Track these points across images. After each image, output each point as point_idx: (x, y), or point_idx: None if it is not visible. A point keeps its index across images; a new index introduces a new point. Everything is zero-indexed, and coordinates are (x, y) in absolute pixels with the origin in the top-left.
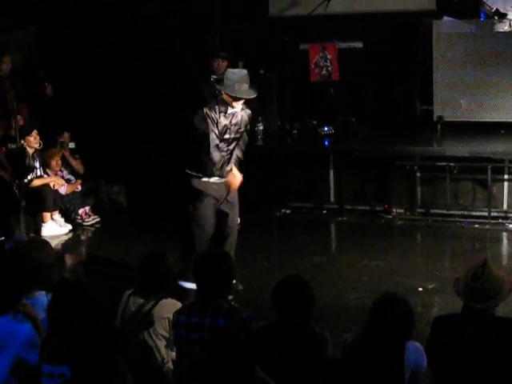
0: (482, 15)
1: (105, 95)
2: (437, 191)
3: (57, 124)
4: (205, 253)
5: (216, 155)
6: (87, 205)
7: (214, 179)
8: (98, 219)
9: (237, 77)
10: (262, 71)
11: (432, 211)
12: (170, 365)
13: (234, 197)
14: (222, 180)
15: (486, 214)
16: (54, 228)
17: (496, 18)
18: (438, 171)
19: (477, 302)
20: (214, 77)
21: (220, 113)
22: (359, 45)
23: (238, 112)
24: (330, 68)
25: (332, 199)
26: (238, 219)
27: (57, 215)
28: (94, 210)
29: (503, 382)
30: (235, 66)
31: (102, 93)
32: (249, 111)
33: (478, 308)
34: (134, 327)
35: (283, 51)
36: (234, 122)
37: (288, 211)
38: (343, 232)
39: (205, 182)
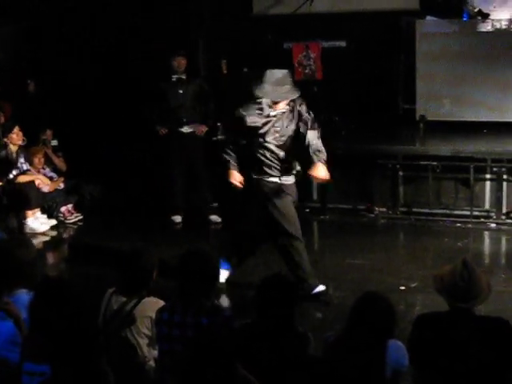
0: (465, 15)
1: (88, 93)
2: (419, 190)
3: (39, 121)
4: (188, 251)
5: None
6: (69, 202)
7: (270, 178)
8: (81, 217)
9: (273, 78)
10: (245, 70)
11: (414, 210)
12: (152, 363)
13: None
14: (277, 180)
15: (469, 212)
16: (36, 225)
17: (479, 17)
18: (421, 170)
19: (462, 301)
20: (176, 76)
21: (256, 114)
22: (342, 44)
23: (283, 116)
24: (313, 67)
25: (315, 198)
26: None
27: (39, 213)
28: (77, 208)
29: (487, 380)
30: (219, 65)
31: (85, 90)
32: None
33: (463, 307)
34: (116, 325)
35: (267, 50)
36: (276, 125)
37: None
38: (326, 230)
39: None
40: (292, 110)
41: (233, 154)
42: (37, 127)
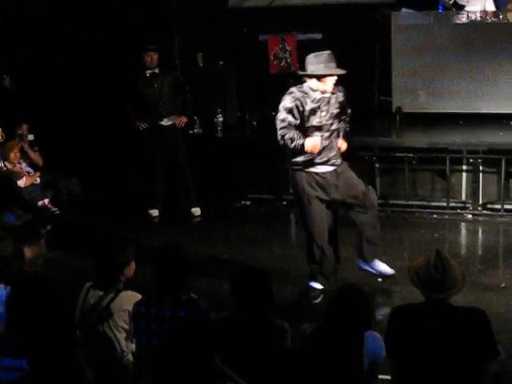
0: (440, 7)
1: (65, 87)
2: (396, 182)
3: (15, 116)
4: (164, 245)
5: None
6: (46, 197)
7: (317, 169)
8: (57, 211)
9: (325, 57)
10: (221, 63)
11: (391, 202)
12: (130, 357)
13: (349, 176)
14: (328, 169)
15: (445, 204)
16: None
17: (454, 9)
18: (397, 162)
19: (437, 292)
20: (149, 71)
21: (307, 100)
22: (318, 36)
23: (332, 97)
24: (289, 59)
25: (292, 190)
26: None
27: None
28: (53, 203)
29: (463, 371)
30: (194, 58)
31: (62, 84)
32: (340, 93)
33: (438, 298)
34: (93, 320)
35: (242, 43)
36: (326, 108)
37: (248, 203)
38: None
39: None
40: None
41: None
42: (13, 122)
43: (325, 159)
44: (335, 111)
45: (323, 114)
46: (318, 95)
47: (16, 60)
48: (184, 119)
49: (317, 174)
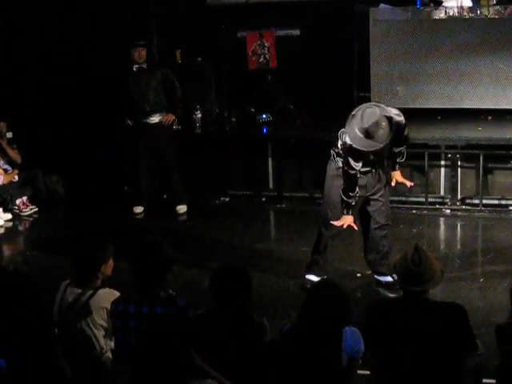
0: (419, 2)
1: (42, 83)
2: None
3: None
4: (141, 241)
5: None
6: (24, 195)
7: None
8: (36, 209)
9: (364, 125)
10: (199, 59)
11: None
12: (109, 354)
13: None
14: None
15: (423, 199)
16: None
17: (432, 5)
18: None
19: (414, 285)
20: (137, 66)
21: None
22: (297, 32)
23: None
24: (267, 56)
25: (271, 186)
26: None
27: None
28: (32, 201)
29: (442, 365)
30: (173, 55)
31: (39, 81)
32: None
33: (415, 291)
34: (71, 317)
35: (221, 39)
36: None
37: (227, 199)
38: (282, 219)
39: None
40: None
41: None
42: None
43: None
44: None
45: None
46: None
47: None
48: (171, 117)
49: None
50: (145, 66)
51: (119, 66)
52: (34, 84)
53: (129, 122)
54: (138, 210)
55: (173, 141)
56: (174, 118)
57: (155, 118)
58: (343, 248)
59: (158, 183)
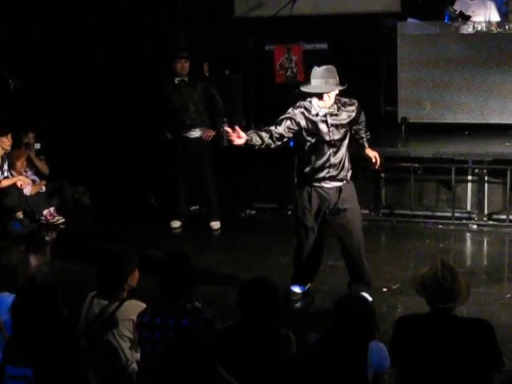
0: (447, 17)
1: (70, 95)
2: (401, 192)
3: (21, 124)
4: (167, 254)
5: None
6: (52, 205)
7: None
8: (63, 220)
9: (315, 73)
10: (227, 72)
11: (396, 212)
12: (135, 366)
13: (349, 201)
14: (331, 185)
15: (450, 214)
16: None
17: (460, 19)
18: (403, 172)
19: (444, 302)
20: (178, 79)
21: (310, 115)
22: (324, 46)
23: (339, 112)
24: (294, 69)
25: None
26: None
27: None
28: (59, 211)
29: (469, 382)
30: (200, 68)
31: (68, 92)
32: (353, 107)
33: (445, 308)
34: (97, 329)
35: (248, 52)
36: (332, 122)
37: (253, 212)
38: None
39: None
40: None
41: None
42: (18, 130)
43: (329, 175)
44: (342, 127)
45: (325, 129)
46: (321, 110)
47: (22, 66)
48: (211, 132)
49: (321, 188)
50: (186, 78)
51: (144, 82)
52: (61, 95)
53: (168, 135)
54: (176, 224)
55: (211, 157)
56: (213, 133)
57: (195, 133)
58: (369, 262)
59: (194, 198)
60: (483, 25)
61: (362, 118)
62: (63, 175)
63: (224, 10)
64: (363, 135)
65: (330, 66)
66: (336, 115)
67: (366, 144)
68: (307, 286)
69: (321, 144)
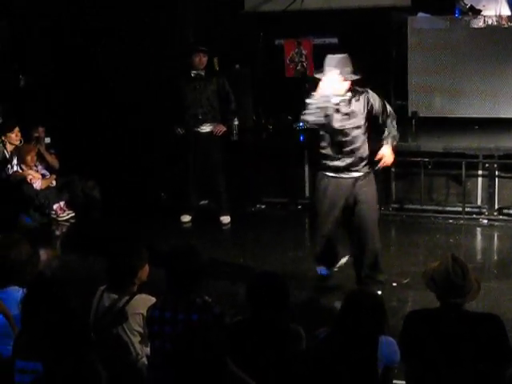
0: (457, 11)
1: (80, 89)
2: (411, 186)
3: (31, 118)
4: (176, 248)
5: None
6: (62, 200)
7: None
8: (73, 214)
9: (329, 61)
10: (237, 66)
11: (406, 206)
12: (145, 360)
13: (366, 194)
14: (348, 175)
15: (460, 209)
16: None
17: (470, 14)
18: (413, 167)
19: (455, 296)
20: (195, 72)
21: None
22: (334, 40)
23: (353, 100)
24: (305, 63)
25: (307, 194)
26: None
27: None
28: (69, 205)
29: (478, 376)
30: (211, 62)
31: (77, 87)
32: (368, 96)
33: (455, 303)
34: (107, 323)
35: (258, 46)
36: (345, 111)
37: (263, 206)
38: None
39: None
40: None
41: None
42: (29, 124)
43: (343, 165)
44: (354, 116)
45: (338, 117)
46: (334, 98)
47: (32, 62)
48: (221, 128)
49: (338, 178)
50: (203, 73)
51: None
52: (71, 90)
53: (179, 130)
54: (186, 218)
55: (221, 152)
56: (224, 129)
57: (206, 128)
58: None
59: (204, 192)
60: (494, 19)
61: (381, 107)
62: (73, 170)
63: (234, 5)
64: (386, 131)
65: (345, 55)
66: (349, 103)
67: (385, 141)
68: (332, 270)
69: (334, 132)
